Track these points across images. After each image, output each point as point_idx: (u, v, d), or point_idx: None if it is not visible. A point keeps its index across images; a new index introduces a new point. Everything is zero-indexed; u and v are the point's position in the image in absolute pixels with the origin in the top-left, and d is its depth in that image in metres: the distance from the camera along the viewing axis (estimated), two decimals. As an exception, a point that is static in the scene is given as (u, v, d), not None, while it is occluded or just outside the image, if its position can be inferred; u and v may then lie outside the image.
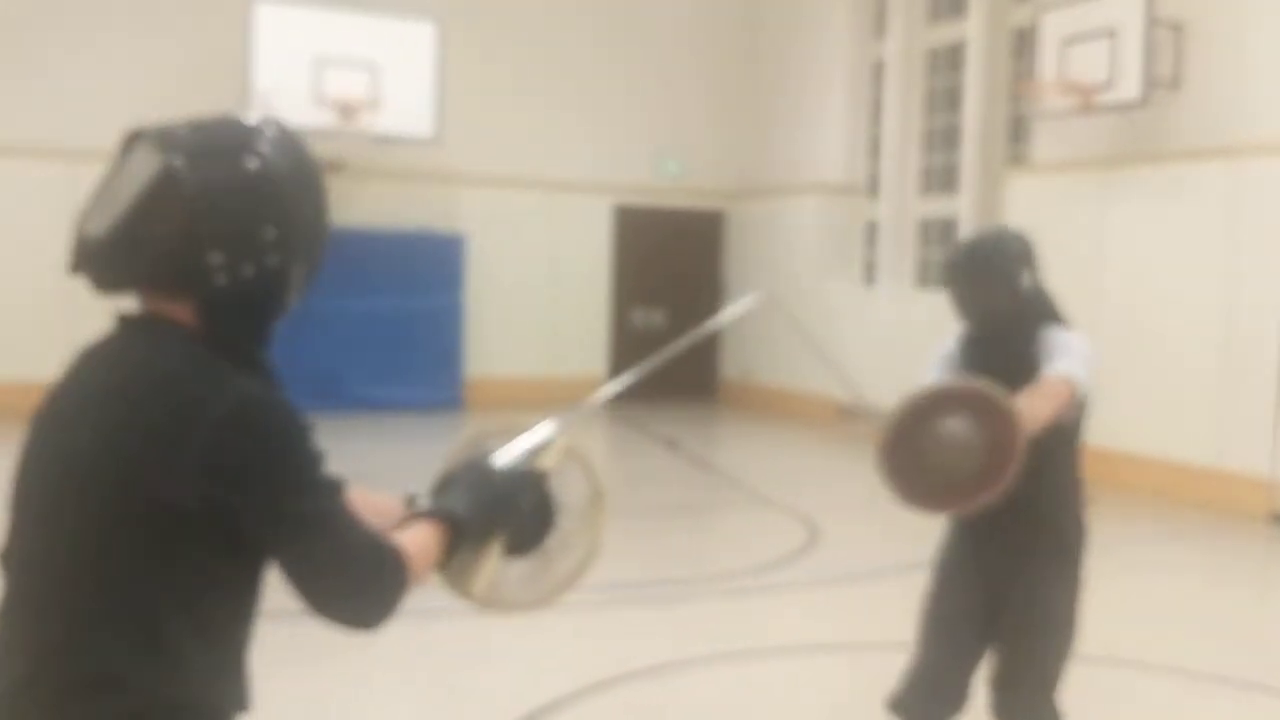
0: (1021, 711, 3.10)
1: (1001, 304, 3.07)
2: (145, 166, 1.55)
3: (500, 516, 1.86)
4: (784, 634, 5.31)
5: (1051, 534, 3.11)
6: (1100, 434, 9.11)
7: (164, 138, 1.57)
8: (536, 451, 1.97)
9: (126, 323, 1.62)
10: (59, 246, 1.66)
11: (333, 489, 1.61)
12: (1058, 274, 9.59)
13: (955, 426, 2.71)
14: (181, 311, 1.59)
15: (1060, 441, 3.06)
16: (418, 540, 1.71)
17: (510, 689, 4.51)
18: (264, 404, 1.55)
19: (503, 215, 12.52)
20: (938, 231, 11.43)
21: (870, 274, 12.18)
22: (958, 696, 3.16)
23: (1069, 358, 2.97)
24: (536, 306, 12.71)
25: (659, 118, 13.20)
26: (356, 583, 1.60)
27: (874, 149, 12.12)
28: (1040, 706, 3.11)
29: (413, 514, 1.79)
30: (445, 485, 1.87)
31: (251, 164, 1.58)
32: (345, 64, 10.74)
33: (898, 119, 11.67)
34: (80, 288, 1.67)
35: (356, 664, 4.74)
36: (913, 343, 8.93)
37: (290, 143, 1.64)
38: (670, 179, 13.27)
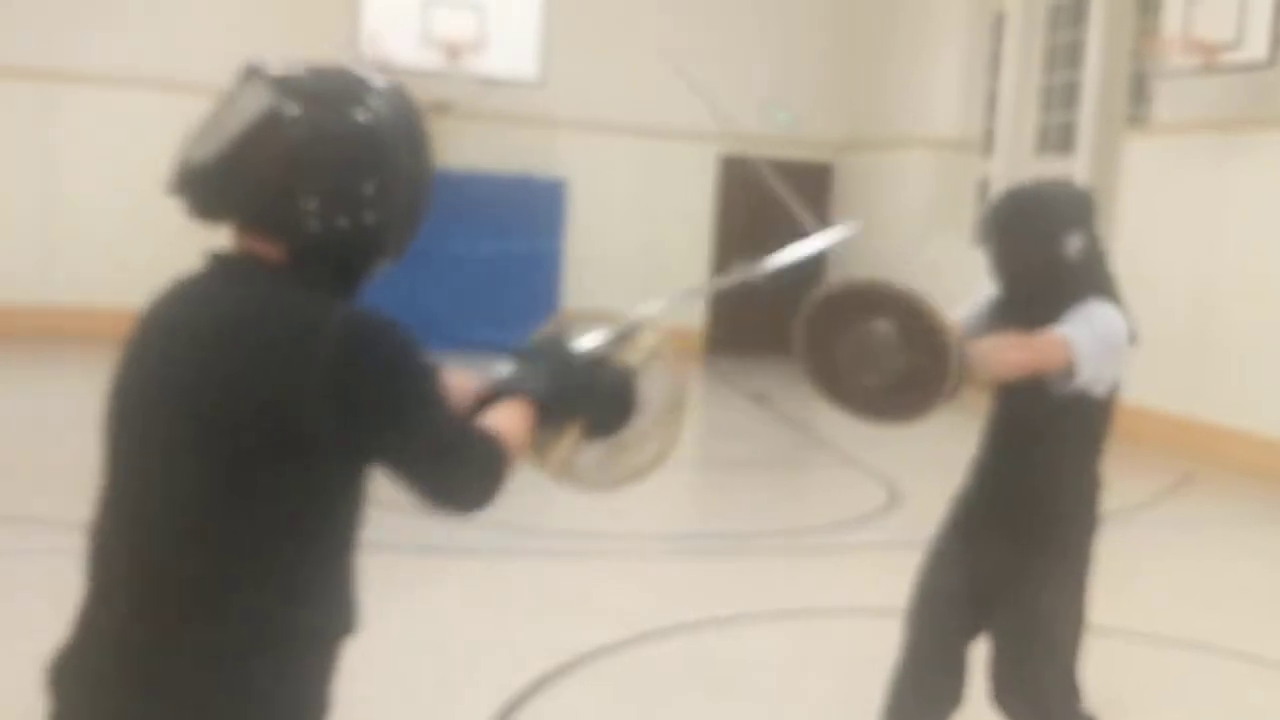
0: (1017, 714, 2.86)
1: (1036, 267, 2.71)
2: (255, 102, 1.56)
3: (584, 400, 1.90)
4: (851, 595, 5.22)
5: (1052, 527, 2.81)
6: (1213, 410, 8.85)
7: (278, 77, 1.58)
8: (624, 341, 2.02)
9: (220, 259, 1.63)
10: (161, 178, 1.64)
11: (440, 396, 1.65)
12: (1173, 241, 9.34)
13: (883, 330, 2.48)
14: (273, 251, 1.60)
15: (1068, 423, 2.76)
16: (511, 422, 1.76)
17: (570, 632, 4.53)
18: (375, 322, 1.57)
19: (605, 161, 12.47)
20: (1051, 192, 11.04)
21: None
22: (945, 690, 2.92)
23: (1083, 326, 2.63)
24: (636, 254, 12.65)
25: (769, 66, 12.96)
26: (469, 476, 1.66)
27: (990, 104, 11.73)
28: (1039, 709, 2.85)
29: (498, 391, 1.83)
30: (530, 360, 1.88)
31: (360, 116, 1.58)
32: (453, 4, 10.75)
33: (1016, 74, 11.27)
34: (179, 223, 1.70)
35: (429, 598, 4.83)
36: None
37: (402, 101, 1.64)
38: (781, 129, 13.05)
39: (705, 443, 8.50)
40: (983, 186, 11.83)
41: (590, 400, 1.91)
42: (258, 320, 1.54)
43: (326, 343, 1.51)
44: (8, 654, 3.28)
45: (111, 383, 1.63)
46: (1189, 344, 8.91)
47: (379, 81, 1.64)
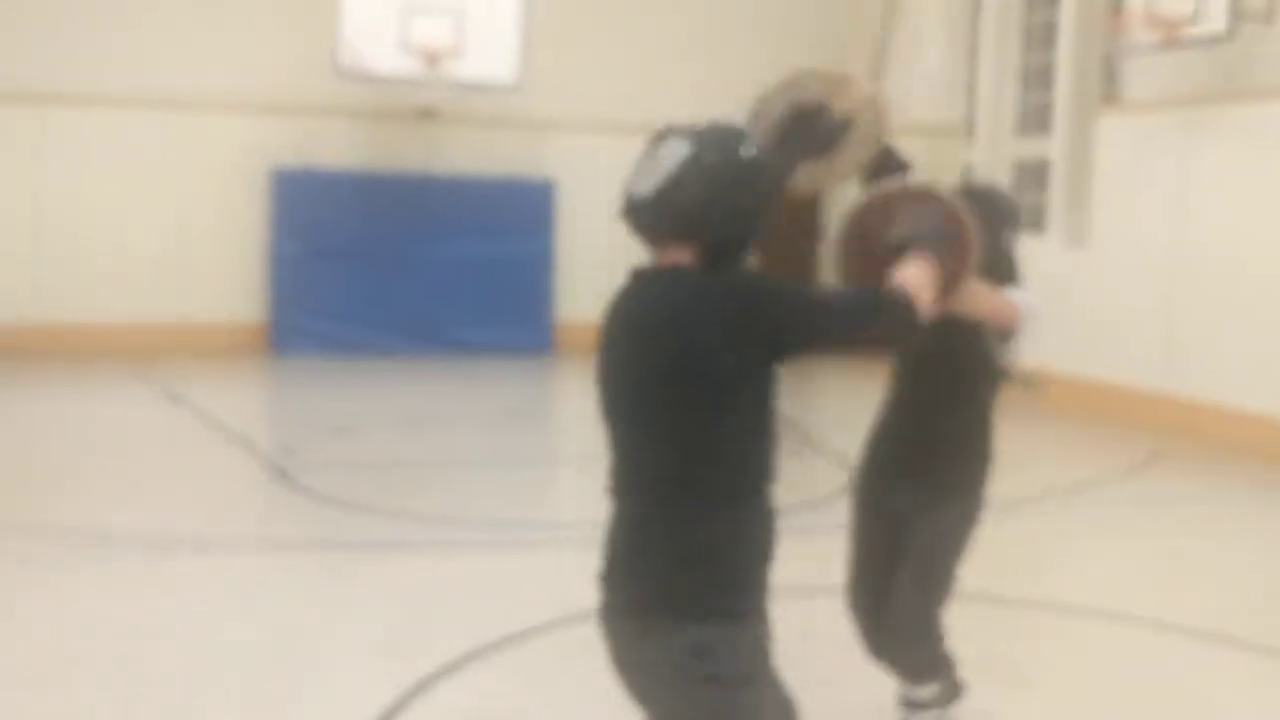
0: (887, 640, 3.25)
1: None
2: (677, 150, 2.27)
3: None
4: (811, 575, 5.28)
5: (961, 470, 3.21)
6: (1183, 385, 8.85)
7: (690, 132, 2.31)
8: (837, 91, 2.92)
9: (649, 270, 2.36)
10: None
11: (809, 288, 2.41)
12: (1144, 217, 9.33)
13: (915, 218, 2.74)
14: (685, 255, 2.30)
15: (982, 376, 3.18)
16: (905, 280, 2.48)
17: (495, 616, 4.62)
18: (759, 274, 2.34)
19: (592, 160, 12.55)
20: (1031, 175, 11.04)
21: (966, 218, 11.83)
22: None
23: (1026, 303, 3.03)
24: (628, 252, 12.69)
25: (755, 56, 13.00)
26: (872, 310, 2.41)
27: (970, 88, 11.73)
28: (906, 640, 3.22)
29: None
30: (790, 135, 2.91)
31: (745, 153, 2.33)
32: (431, 11, 10.90)
33: (995, 56, 11.27)
34: None
35: (358, 587, 4.94)
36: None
37: (754, 141, 2.40)
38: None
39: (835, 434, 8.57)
40: (967, 171, 11.84)
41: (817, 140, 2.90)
42: (705, 300, 2.25)
43: (755, 292, 2.26)
44: None
45: (598, 364, 2.38)
46: (1159, 319, 8.92)
47: (740, 125, 2.48)
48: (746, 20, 12.88)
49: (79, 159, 11.10)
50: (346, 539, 5.78)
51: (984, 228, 2.93)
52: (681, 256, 2.32)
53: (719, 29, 12.83)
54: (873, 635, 3.33)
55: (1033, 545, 6.06)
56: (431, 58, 10.90)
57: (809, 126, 2.90)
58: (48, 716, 3.73)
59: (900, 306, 2.42)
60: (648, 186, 2.28)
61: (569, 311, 12.46)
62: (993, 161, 11.43)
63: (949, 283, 2.72)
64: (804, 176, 2.88)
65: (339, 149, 11.77)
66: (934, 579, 3.25)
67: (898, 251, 2.70)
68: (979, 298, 2.84)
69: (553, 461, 8.39)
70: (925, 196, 2.81)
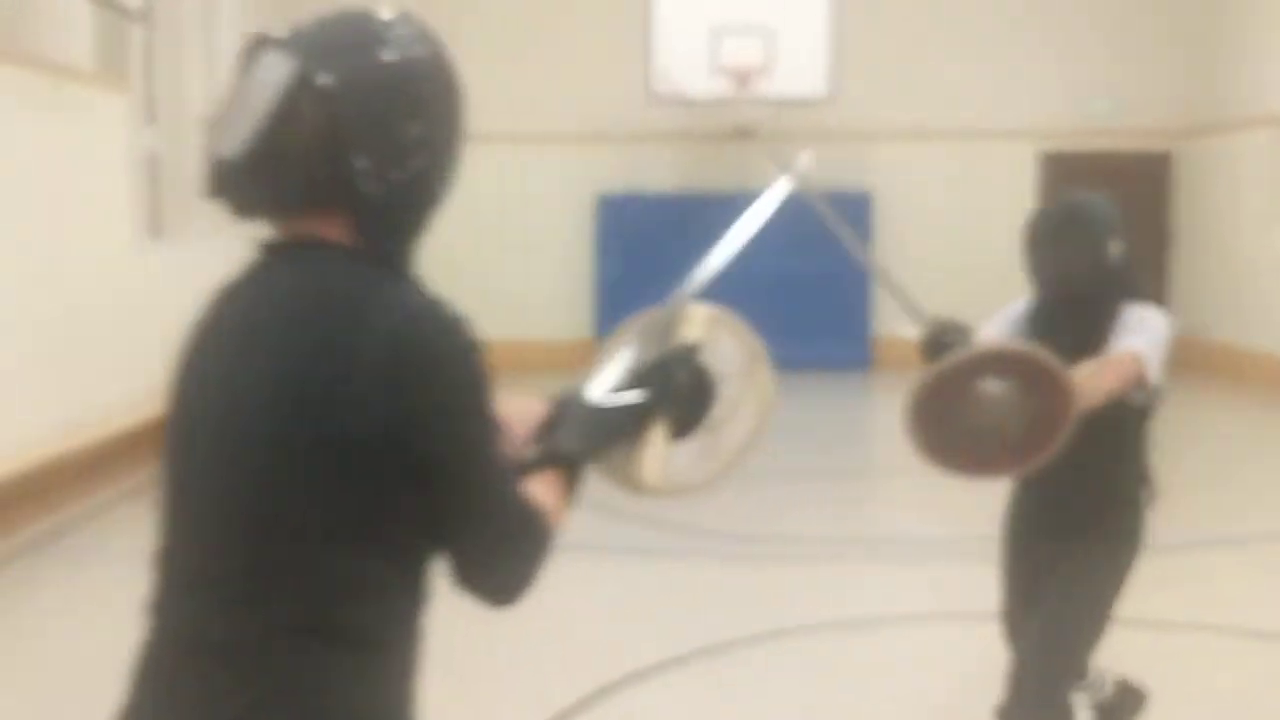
0: (1020, 704, 2.91)
1: (1083, 270, 2.91)
2: (275, 72, 1.41)
3: (650, 408, 1.76)
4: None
5: (1108, 521, 2.96)
6: None
7: (291, 39, 1.44)
8: (672, 329, 1.90)
9: (272, 250, 1.49)
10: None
11: (496, 426, 1.48)
12: None
13: (999, 390, 2.60)
14: (332, 228, 1.46)
15: (1129, 425, 2.94)
16: (550, 496, 1.57)
17: (692, 626, 4.64)
18: (437, 314, 1.43)
19: (911, 170, 12.26)
20: None
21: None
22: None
23: (1142, 335, 2.82)
24: (951, 265, 12.31)
25: (1088, 51, 12.22)
26: (514, 540, 1.47)
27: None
28: (1041, 702, 2.88)
29: (532, 461, 1.62)
30: (556, 420, 1.70)
31: (388, 56, 1.45)
32: (740, 31, 11.05)
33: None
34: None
35: (571, 591, 5.10)
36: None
37: (425, 34, 1.52)
38: (1100, 119, 12.26)
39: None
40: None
41: (661, 401, 1.76)
42: (312, 315, 1.42)
43: (380, 334, 1.39)
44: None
45: (171, 399, 1.53)
46: None
47: (398, 17, 1.51)
48: (1066, 16, 12.13)
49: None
50: (594, 542, 5.97)
51: (1087, 247, 2.87)
52: (324, 227, 1.47)
53: (1037, 26, 12.17)
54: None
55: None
56: (743, 77, 11.04)
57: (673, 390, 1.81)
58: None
59: (535, 548, 1.51)
60: (236, 141, 1.43)
61: (888, 326, 12.20)
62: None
63: (1051, 435, 2.55)
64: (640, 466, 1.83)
65: (659, 172, 12.17)
66: (1077, 629, 2.93)
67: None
68: (1089, 391, 2.63)
69: (849, 475, 8.25)
70: (1001, 358, 2.62)
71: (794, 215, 12.34)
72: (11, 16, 6.63)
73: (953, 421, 2.64)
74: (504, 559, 1.48)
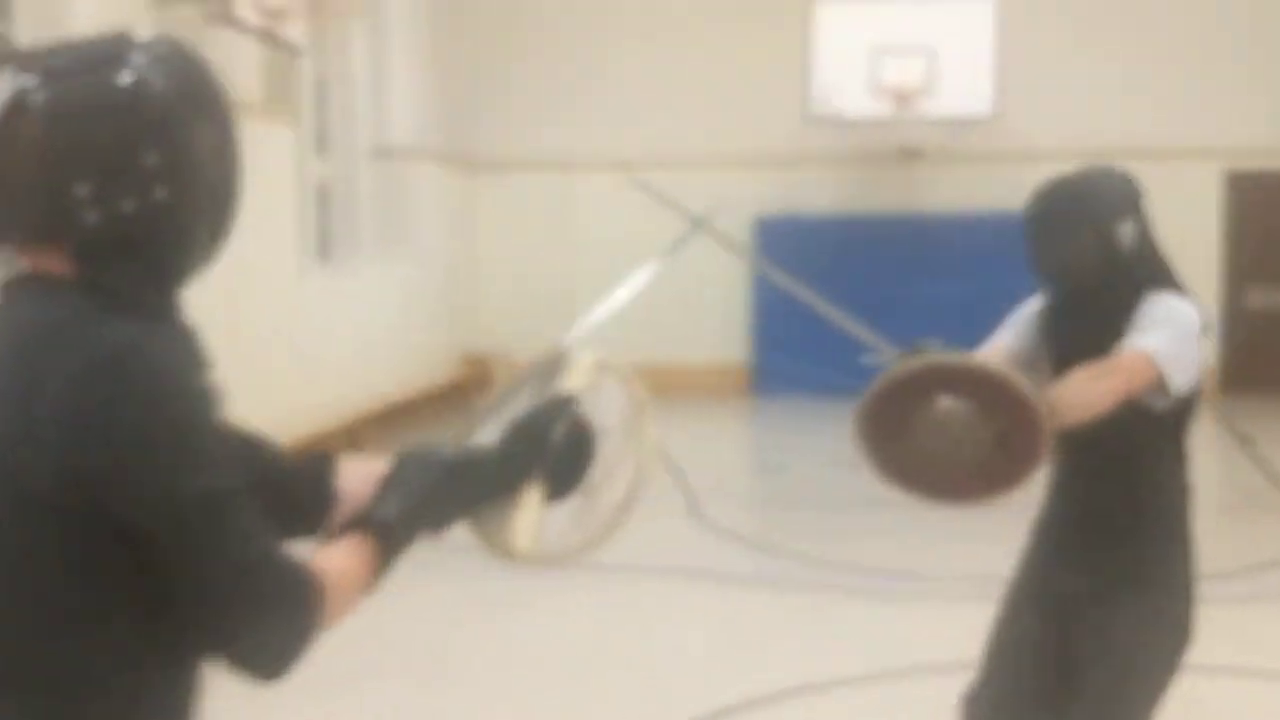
0: None
1: (1087, 261, 2.47)
2: (4, 85, 1.32)
3: (521, 466, 1.60)
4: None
5: (1134, 554, 2.50)
6: None
7: (21, 59, 1.34)
8: (552, 377, 1.74)
9: (13, 286, 1.38)
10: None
11: (230, 475, 1.32)
12: None
13: (956, 408, 2.32)
14: (56, 261, 1.33)
15: (1153, 438, 2.51)
16: (346, 562, 1.40)
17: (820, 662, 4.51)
18: (139, 350, 1.28)
19: (1083, 191, 11.78)
20: None
21: None
22: None
23: (1161, 330, 2.39)
24: (1125, 287, 11.77)
25: (1247, 72, 11.51)
26: (257, 606, 1.30)
27: None
28: None
29: (341, 526, 1.48)
30: (393, 475, 1.53)
31: (123, 79, 1.32)
32: (902, 52, 10.83)
33: None
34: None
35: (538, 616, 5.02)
36: None
37: (181, 61, 1.38)
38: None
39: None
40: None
41: (530, 460, 1.60)
42: (7, 356, 1.30)
43: (64, 373, 1.25)
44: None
45: None
46: None
47: (147, 41, 1.39)
48: (1235, 35, 11.47)
49: (599, 217, 12.20)
50: (729, 570, 5.89)
51: (1091, 232, 2.45)
52: (51, 261, 1.34)
53: (1203, 45, 11.54)
54: None
55: None
56: (903, 97, 10.82)
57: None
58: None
59: (289, 614, 1.32)
60: None
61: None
62: None
63: (1023, 459, 2.29)
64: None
65: (817, 195, 12.01)
66: (1116, 709, 2.46)
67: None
68: (1078, 402, 2.30)
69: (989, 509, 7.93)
70: (948, 373, 2.32)
71: (963, 239, 12.03)
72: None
73: (907, 439, 2.38)
74: (247, 627, 1.30)
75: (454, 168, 11.78)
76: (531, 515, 1.61)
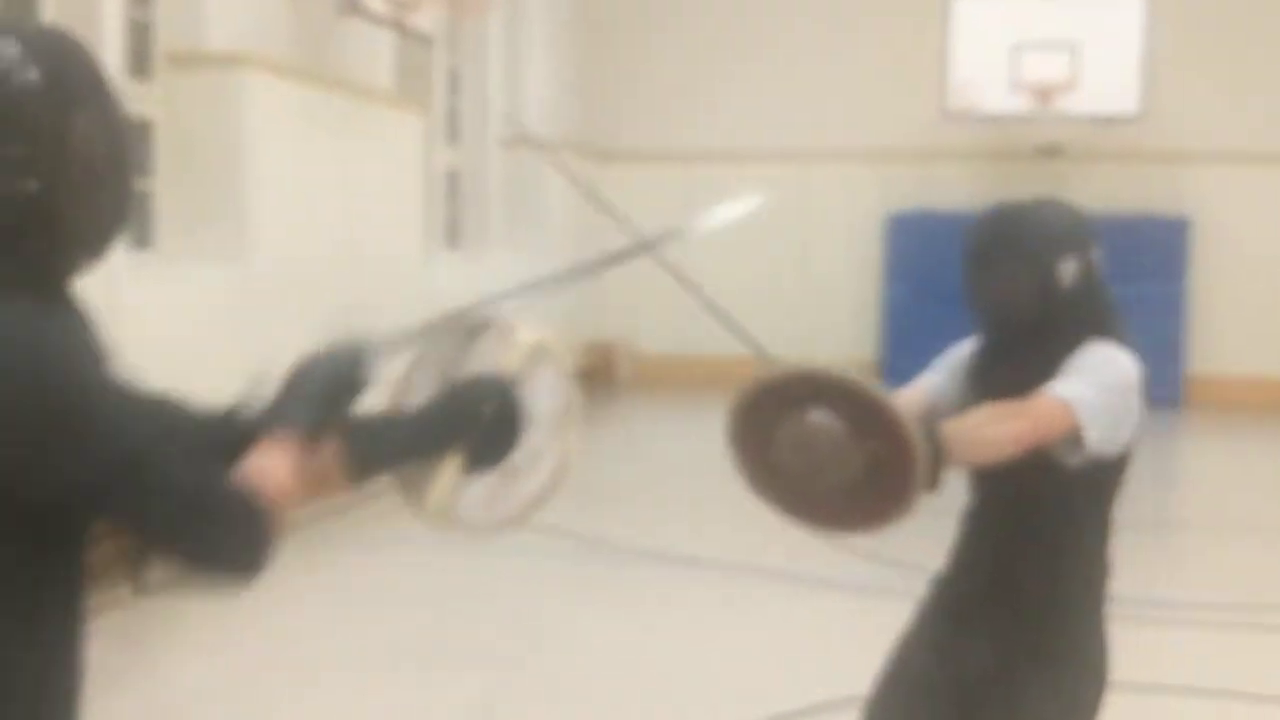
0: None
1: (1023, 301, 2.28)
2: None
3: (438, 429, 1.64)
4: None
5: (1040, 633, 2.30)
6: None
7: None
8: (471, 339, 1.76)
9: None
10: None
11: (143, 428, 1.39)
12: None
13: (826, 426, 2.05)
14: None
15: (1069, 502, 2.29)
16: (259, 464, 1.47)
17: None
18: (17, 337, 1.31)
19: (1234, 195, 11.22)
20: None
21: None
22: None
23: (1087, 378, 2.18)
24: (1278, 298, 11.21)
25: None
26: (214, 529, 1.41)
27: None
28: None
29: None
30: (300, 380, 1.57)
31: (30, 76, 1.35)
32: (1044, 47, 10.50)
33: None
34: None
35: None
36: None
37: (55, 51, 1.39)
38: None
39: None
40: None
41: (463, 426, 1.64)
42: None
43: None
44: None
45: None
46: None
47: (19, 31, 1.41)
48: None
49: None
50: (839, 580, 5.83)
51: (1027, 269, 2.26)
52: None
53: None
54: None
55: None
56: (1044, 94, 10.50)
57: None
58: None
59: (244, 526, 1.41)
60: None
61: (1202, 362, 11.24)
62: None
63: (893, 492, 2.02)
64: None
65: (953, 191, 11.72)
66: None
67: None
68: (972, 441, 2.09)
69: (1160, 529, 7.62)
70: (813, 382, 2.08)
71: (1105, 240, 11.63)
72: (319, 44, 7.19)
73: (771, 452, 2.12)
74: (210, 549, 1.42)
75: (585, 157, 11.89)
76: (446, 480, 1.65)
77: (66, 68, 1.39)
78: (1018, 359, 2.31)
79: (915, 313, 11.76)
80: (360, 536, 5.95)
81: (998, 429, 2.14)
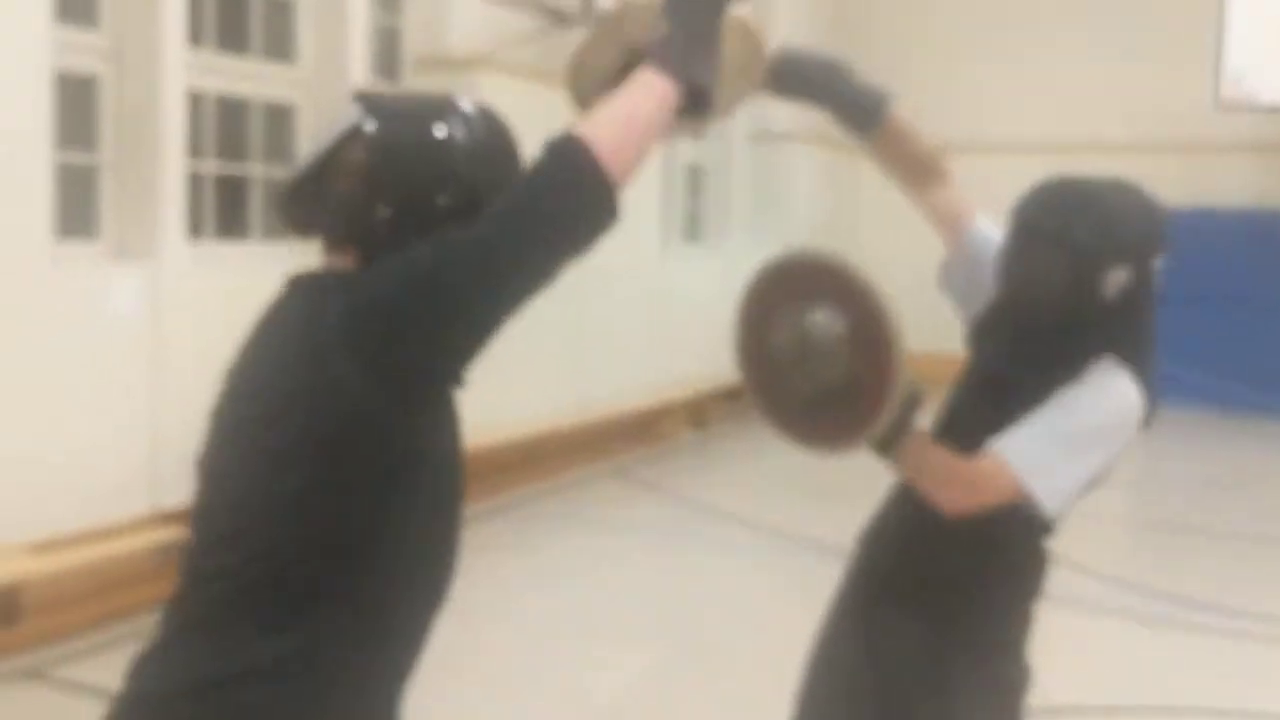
0: None
1: (1053, 298, 2.02)
2: (343, 119, 1.62)
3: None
4: None
5: (976, 618, 2.16)
6: None
7: (369, 99, 1.64)
8: None
9: (295, 279, 1.64)
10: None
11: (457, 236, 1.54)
12: None
13: (826, 327, 1.92)
14: (347, 259, 1.61)
15: (994, 559, 2.12)
16: (605, 112, 1.59)
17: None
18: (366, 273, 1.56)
19: None
20: None
21: None
22: None
23: (1043, 436, 1.97)
24: None
25: None
26: (553, 193, 1.53)
27: None
28: None
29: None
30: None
31: (438, 132, 1.61)
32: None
33: None
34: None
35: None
36: None
37: (491, 127, 1.66)
38: None
39: None
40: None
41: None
42: (296, 331, 1.54)
43: (341, 305, 1.50)
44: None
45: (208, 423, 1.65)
46: None
47: (470, 107, 1.66)
48: None
49: (991, 203, 11.84)
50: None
51: (1072, 264, 1.98)
52: (342, 260, 1.62)
53: None
54: None
55: None
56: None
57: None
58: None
59: (587, 177, 1.52)
60: (295, 169, 1.64)
61: None
62: None
63: (837, 440, 1.93)
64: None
65: (1230, 186, 10.95)
66: None
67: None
68: (919, 473, 1.98)
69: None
70: (834, 278, 1.92)
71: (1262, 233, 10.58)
72: (558, 50, 7.50)
73: (763, 334, 2.00)
74: (561, 212, 1.53)
75: (838, 151, 11.82)
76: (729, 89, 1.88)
77: (501, 142, 1.66)
78: (1019, 350, 2.12)
79: (1190, 313, 11.00)
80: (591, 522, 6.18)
81: (937, 484, 1.99)
